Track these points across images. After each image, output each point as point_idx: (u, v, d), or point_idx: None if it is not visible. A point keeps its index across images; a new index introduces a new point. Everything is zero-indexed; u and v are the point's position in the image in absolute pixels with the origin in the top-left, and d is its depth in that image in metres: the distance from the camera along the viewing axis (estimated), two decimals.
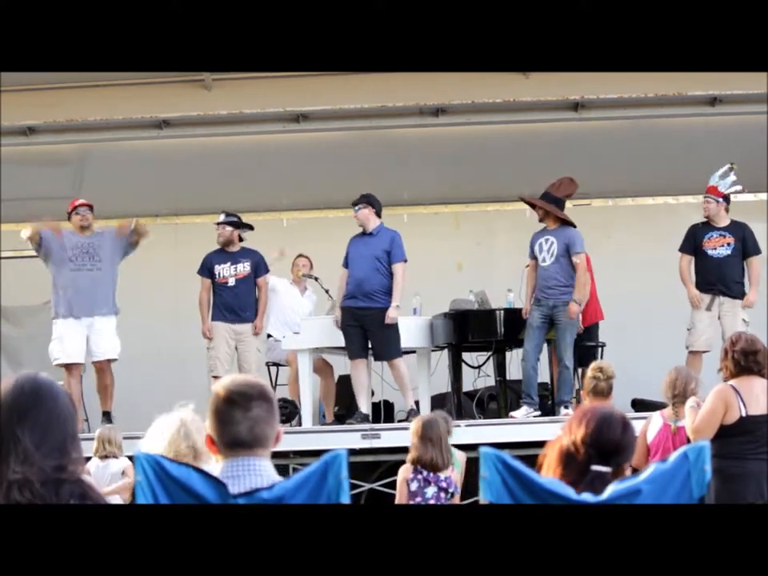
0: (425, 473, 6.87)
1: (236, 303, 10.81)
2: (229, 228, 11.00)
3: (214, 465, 3.48)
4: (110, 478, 8.57)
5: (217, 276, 10.85)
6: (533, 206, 10.68)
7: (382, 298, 10.37)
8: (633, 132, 13.06)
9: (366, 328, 10.35)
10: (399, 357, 10.49)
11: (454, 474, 7.03)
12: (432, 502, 6.85)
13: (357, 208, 10.55)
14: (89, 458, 8.57)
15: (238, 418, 3.41)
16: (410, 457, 6.98)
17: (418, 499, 6.88)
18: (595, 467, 3.57)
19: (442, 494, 6.90)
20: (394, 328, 10.39)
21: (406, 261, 10.49)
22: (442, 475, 6.89)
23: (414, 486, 6.92)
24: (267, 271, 11.10)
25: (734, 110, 12.75)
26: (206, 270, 10.94)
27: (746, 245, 10.49)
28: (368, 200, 10.56)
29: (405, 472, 7.00)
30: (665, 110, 12.88)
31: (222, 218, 11.00)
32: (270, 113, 12.79)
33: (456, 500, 7.09)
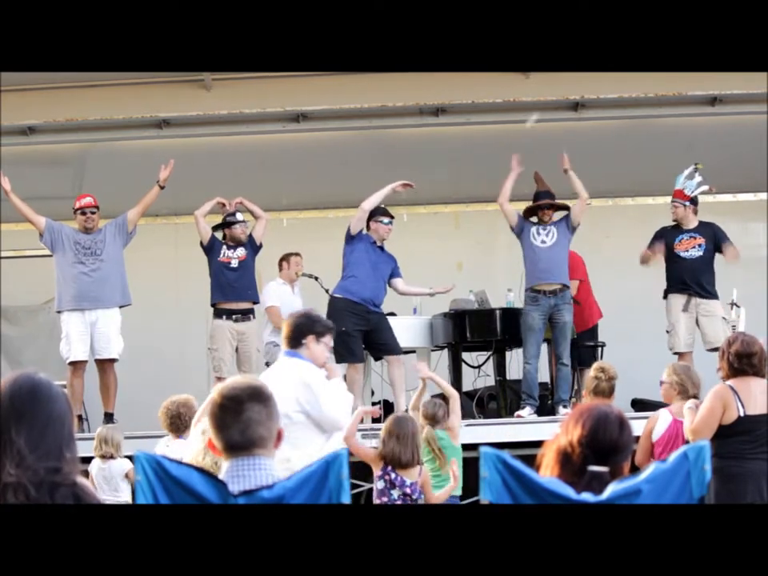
0: (392, 474, 6.91)
1: (239, 284, 10.80)
2: (245, 227, 11.04)
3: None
4: (111, 480, 8.56)
5: (221, 255, 10.83)
6: (551, 207, 10.70)
7: (381, 309, 10.53)
8: (633, 132, 13.05)
9: (375, 329, 10.39)
10: (402, 354, 10.62)
11: (422, 479, 7.05)
12: (398, 503, 6.89)
13: (392, 222, 10.58)
14: (89, 459, 8.58)
15: (229, 421, 3.42)
16: (378, 452, 7.07)
17: (384, 499, 6.93)
18: (592, 467, 3.57)
19: (408, 499, 6.93)
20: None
21: None
22: (408, 480, 6.92)
23: (380, 485, 6.97)
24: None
25: (733, 110, 12.75)
26: (213, 240, 10.94)
27: (717, 240, 10.55)
28: None
29: (373, 463, 7.08)
30: (665, 109, 12.88)
31: (240, 216, 11.00)
32: (269, 113, 12.78)
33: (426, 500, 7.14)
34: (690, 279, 10.48)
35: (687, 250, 10.51)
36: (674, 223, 10.68)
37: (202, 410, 6.66)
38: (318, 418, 6.18)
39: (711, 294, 10.52)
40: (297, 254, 11.69)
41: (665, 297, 10.69)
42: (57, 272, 10.73)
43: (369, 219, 10.64)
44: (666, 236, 10.65)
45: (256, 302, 10.94)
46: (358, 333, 10.37)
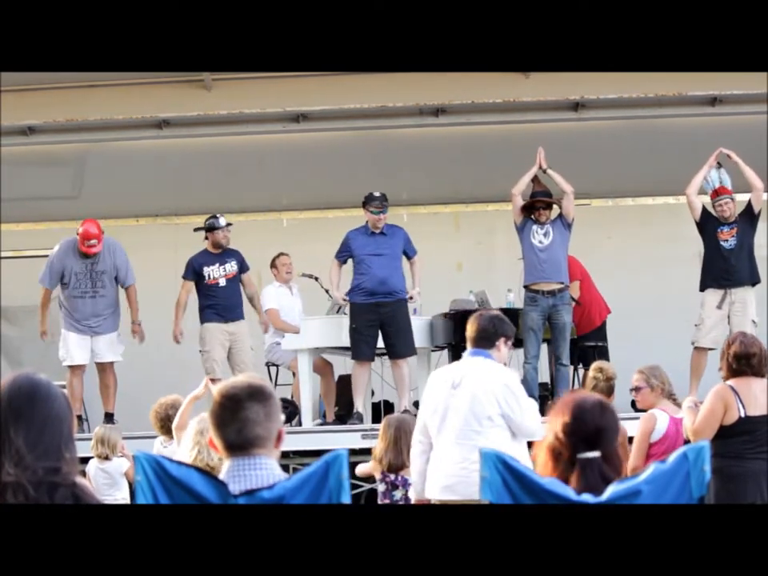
0: (391, 476, 6.92)
1: (229, 303, 10.80)
2: (227, 231, 10.99)
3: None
4: (108, 479, 8.56)
5: (206, 278, 10.79)
6: (547, 207, 10.68)
7: (400, 293, 10.42)
8: (633, 132, 13.05)
9: (387, 324, 10.33)
10: (414, 355, 10.57)
11: None
12: (401, 503, 6.88)
13: (384, 211, 10.51)
14: (88, 459, 8.57)
15: (226, 420, 3.41)
16: (373, 456, 7.10)
17: (387, 501, 6.92)
18: (582, 455, 3.59)
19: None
20: (410, 325, 10.43)
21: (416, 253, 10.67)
22: (409, 478, 6.92)
23: (381, 488, 6.98)
24: (248, 268, 11.06)
25: (733, 110, 12.75)
26: (193, 273, 10.85)
27: (747, 211, 10.46)
28: (388, 201, 10.58)
29: (370, 468, 7.09)
30: (665, 110, 12.88)
31: (223, 222, 10.93)
32: (270, 113, 12.78)
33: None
34: (730, 268, 10.36)
35: (727, 240, 10.45)
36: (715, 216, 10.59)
37: (180, 413, 6.66)
38: (517, 423, 6.16)
39: (751, 279, 10.41)
40: (282, 255, 11.60)
41: (702, 289, 10.56)
42: (58, 294, 10.73)
43: (363, 207, 10.60)
44: (713, 222, 10.56)
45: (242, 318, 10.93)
46: (368, 329, 10.30)
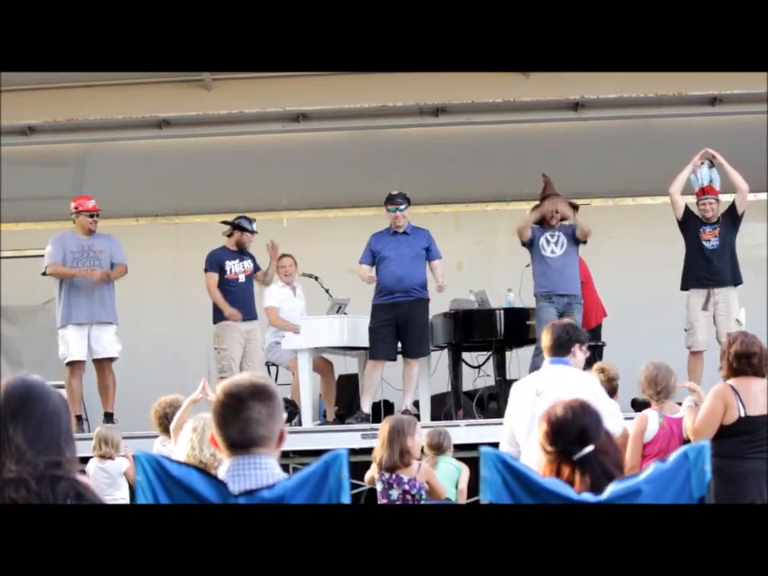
0: (386, 475, 6.92)
1: (246, 299, 10.82)
2: (252, 238, 11.02)
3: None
4: (108, 478, 8.56)
5: (228, 272, 10.80)
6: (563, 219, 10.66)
7: (419, 292, 10.41)
8: (633, 132, 13.06)
9: (402, 323, 10.32)
10: (426, 356, 10.53)
11: (421, 475, 7.05)
12: (398, 503, 6.89)
13: (402, 208, 10.49)
14: (88, 458, 8.58)
15: (229, 419, 3.41)
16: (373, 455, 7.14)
17: (384, 501, 6.94)
18: (578, 455, 3.61)
19: (408, 497, 6.92)
20: (428, 325, 10.40)
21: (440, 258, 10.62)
22: (404, 477, 6.91)
23: (379, 487, 6.99)
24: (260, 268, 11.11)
25: (734, 110, 12.76)
26: (216, 265, 10.87)
27: (730, 211, 10.46)
28: (407, 199, 10.54)
29: (373, 470, 7.11)
30: (665, 109, 12.88)
31: (254, 227, 10.94)
32: (270, 113, 12.78)
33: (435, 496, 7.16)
34: (713, 268, 10.36)
35: (709, 240, 10.45)
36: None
37: (178, 416, 6.66)
38: None
39: (734, 280, 10.41)
40: (283, 256, 11.56)
41: (684, 288, 10.56)
42: (57, 285, 10.71)
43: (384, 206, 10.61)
44: (694, 221, 10.55)
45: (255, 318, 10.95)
46: (383, 328, 10.29)
